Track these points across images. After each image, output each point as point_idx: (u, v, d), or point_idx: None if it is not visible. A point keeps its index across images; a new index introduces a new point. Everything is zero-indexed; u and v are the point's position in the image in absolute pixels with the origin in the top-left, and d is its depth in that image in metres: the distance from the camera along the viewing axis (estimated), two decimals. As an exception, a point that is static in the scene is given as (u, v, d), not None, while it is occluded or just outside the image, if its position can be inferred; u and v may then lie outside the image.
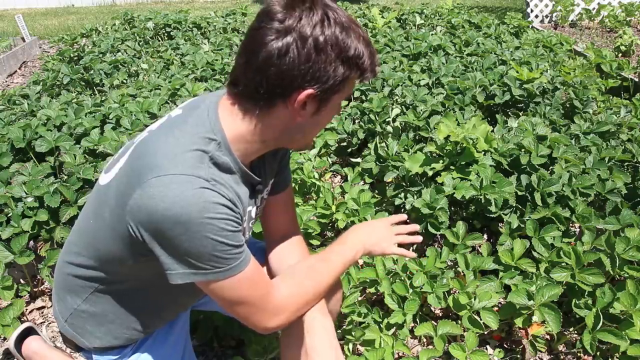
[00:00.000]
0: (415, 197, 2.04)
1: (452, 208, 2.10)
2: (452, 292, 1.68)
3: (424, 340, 1.70)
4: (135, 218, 0.86)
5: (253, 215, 1.07)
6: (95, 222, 0.98)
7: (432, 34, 4.29)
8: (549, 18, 6.16)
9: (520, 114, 2.79)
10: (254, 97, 0.89)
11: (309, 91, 0.86)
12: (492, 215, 1.93)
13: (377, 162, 2.29)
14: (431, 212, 1.90)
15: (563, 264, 1.61)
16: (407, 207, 2.04)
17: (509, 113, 2.82)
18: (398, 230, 1.19)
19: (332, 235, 2.15)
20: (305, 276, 1.05)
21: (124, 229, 0.89)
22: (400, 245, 1.18)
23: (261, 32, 0.85)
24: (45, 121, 2.51)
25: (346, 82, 0.90)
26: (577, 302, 1.54)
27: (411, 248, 2.11)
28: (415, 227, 1.22)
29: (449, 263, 1.91)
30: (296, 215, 1.30)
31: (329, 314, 1.10)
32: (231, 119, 0.92)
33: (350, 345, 1.56)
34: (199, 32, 5.12)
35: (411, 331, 1.67)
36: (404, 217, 1.23)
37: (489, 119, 2.84)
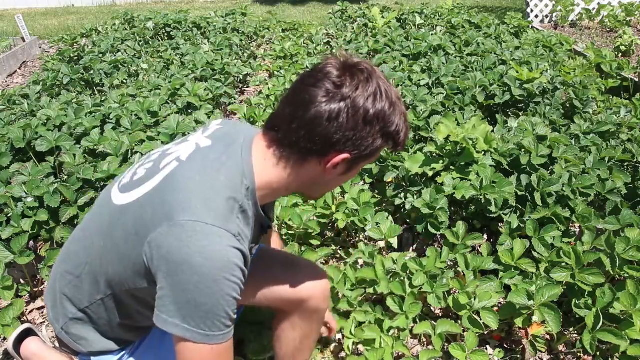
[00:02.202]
0: (415, 197, 2.04)
1: (452, 208, 2.10)
2: (452, 292, 1.68)
3: (424, 340, 1.70)
4: (155, 251, 0.86)
5: (253, 251, 1.09)
6: (105, 242, 0.98)
7: (432, 34, 4.29)
8: (549, 18, 6.15)
9: (520, 114, 2.79)
10: (292, 147, 0.92)
11: (345, 155, 0.91)
12: (492, 215, 1.93)
13: (377, 162, 2.29)
14: (431, 212, 1.90)
15: (563, 264, 1.61)
16: (407, 207, 2.04)
17: (509, 113, 2.82)
18: None
19: (332, 235, 2.15)
20: None
21: (137, 256, 0.90)
22: None
23: (315, 90, 0.88)
24: (45, 121, 2.51)
25: (378, 151, 0.95)
26: (577, 302, 1.54)
27: (411, 248, 2.12)
28: None
29: (449, 263, 1.91)
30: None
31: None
32: (264, 164, 0.95)
33: (351, 344, 1.56)
34: (199, 32, 5.12)
35: (410, 330, 1.67)
36: None
37: (489, 119, 2.84)
